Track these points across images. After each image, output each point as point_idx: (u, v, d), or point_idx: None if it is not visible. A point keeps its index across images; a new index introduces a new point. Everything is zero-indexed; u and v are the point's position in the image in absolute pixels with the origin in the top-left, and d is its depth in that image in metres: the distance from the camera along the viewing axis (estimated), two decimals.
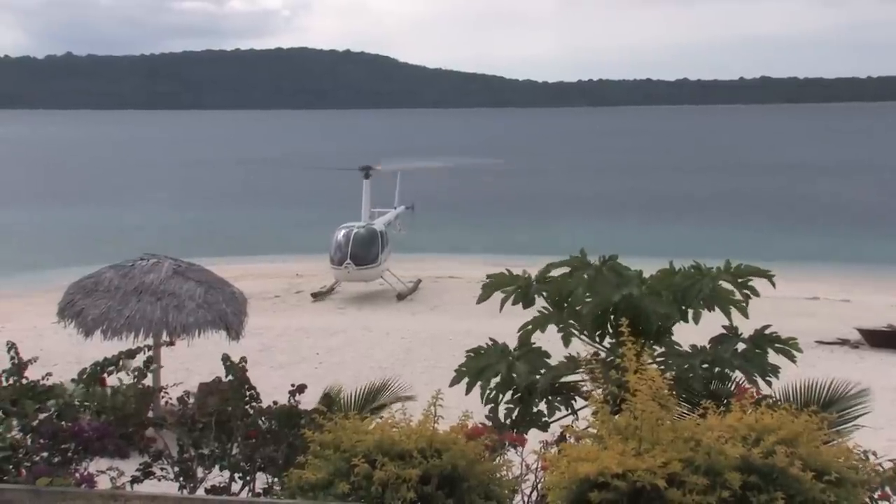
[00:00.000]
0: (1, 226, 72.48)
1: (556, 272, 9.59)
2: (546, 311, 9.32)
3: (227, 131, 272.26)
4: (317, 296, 42.71)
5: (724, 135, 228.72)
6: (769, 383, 8.92)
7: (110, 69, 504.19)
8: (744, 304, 8.99)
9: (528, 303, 9.41)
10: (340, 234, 42.21)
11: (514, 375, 8.89)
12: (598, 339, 9.17)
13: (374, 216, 46.79)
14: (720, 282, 9.00)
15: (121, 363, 9.53)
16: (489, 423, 8.76)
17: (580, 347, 9.17)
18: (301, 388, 9.60)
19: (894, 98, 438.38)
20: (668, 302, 8.84)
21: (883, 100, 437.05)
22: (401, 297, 42.71)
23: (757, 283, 9.31)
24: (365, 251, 41.35)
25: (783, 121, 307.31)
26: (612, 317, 8.97)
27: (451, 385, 9.22)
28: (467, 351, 9.33)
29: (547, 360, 9.11)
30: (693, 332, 9.28)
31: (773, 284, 9.12)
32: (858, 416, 9.57)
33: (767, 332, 9.12)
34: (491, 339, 9.36)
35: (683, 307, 9.01)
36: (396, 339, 32.44)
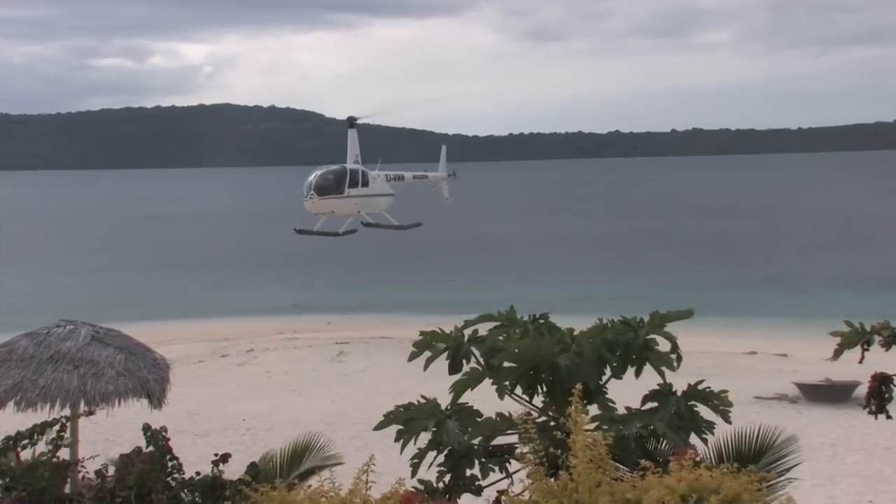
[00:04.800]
0: None
1: (485, 329, 9.66)
2: (478, 369, 9.33)
3: (145, 190, 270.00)
4: (302, 231, 44.10)
5: (656, 185, 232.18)
6: (705, 441, 8.99)
7: (24, 129, 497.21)
8: (672, 357, 9.11)
9: (454, 367, 9.42)
10: (311, 174, 44.58)
11: (444, 435, 8.83)
12: (528, 398, 9.19)
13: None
14: (651, 336, 9.10)
15: (35, 436, 9.33)
16: (422, 489, 8.70)
17: (511, 406, 9.18)
18: (225, 458, 9.49)
19: (824, 149, 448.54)
20: (595, 360, 8.90)
21: (814, 150, 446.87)
22: (368, 224, 43.81)
23: (695, 338, 9.43)
24: (329, 183, 43.63)
25: (715, 171, 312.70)
26: (542, 375, 9.00)
27: (376, 429, 9.21)
28: (397, 406, 9.29)
29: (478, 419, 9.10)
30: (626, 387, 9.35)
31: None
32: (792, 468, 9.69)
33: (700, 387, 9.22)
34: (422, 396, 9.33)
35: (616, 364, 9.09)
36: (326, 403, 32.17)
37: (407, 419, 9.08)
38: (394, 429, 9.32)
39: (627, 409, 9.06)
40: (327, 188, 43.16)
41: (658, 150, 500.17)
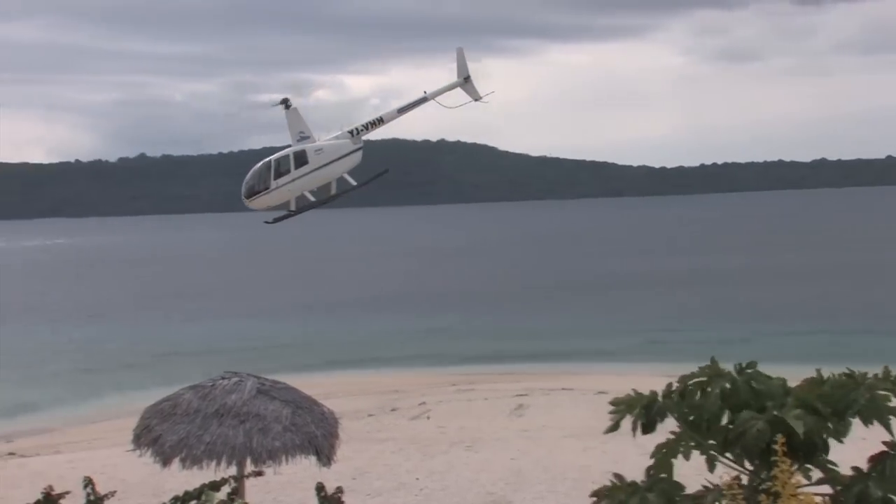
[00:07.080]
0: (71, 346, 74.38)
1: (681, 382, 9.48)
2: (679, 433, 9.13)
3: (311, 231, 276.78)
4: (277, 220, 44.81)
5: (870, 218, 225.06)
6: None
7: (186, 170, 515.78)
8: None
9: (648, 427, 9.25)
10: None
11: None
12: (741, 461, 8.95)
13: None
14: (879, 391, 8.71)
15: (203, 496, 9.60)
16: None
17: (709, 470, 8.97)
18: None
19: None
20: (824, 417, 8.58)
21: None
22: (295, 212, 43.95)
23: None
24: (253, 182, 44.72)
25: None
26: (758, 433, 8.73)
27: None
28: (591, 495, 9.20)
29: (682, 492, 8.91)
30: (844, 447, 9.02)
31: None
32: None
33: None
34: (615, 476, 9.19)
35: (837, 422, 8.76)
36: (505, 461, 32.09)
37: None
38: (580, 487, 9.25)
39: (855, 469, 8.70)
40: (252, 188, 44.42)
41: (871, 180, 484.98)
